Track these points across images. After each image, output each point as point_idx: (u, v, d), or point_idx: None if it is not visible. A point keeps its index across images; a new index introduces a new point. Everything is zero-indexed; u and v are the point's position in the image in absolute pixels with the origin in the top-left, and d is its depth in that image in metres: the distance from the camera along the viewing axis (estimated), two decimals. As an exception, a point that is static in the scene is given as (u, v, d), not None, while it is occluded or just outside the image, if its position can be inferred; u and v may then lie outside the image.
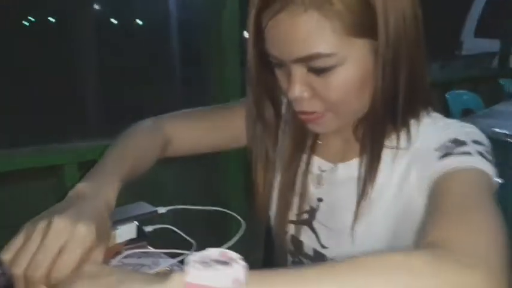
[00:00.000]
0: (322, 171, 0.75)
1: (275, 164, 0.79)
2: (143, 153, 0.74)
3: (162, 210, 0.88)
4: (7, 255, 0.52)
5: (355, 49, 0.59)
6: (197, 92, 2.04)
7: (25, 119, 1.43)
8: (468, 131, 0.64)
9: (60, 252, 0.50)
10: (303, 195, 0.76)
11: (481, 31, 5.57)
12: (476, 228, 0.47)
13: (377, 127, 0.66)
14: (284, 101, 0.77)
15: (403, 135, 0.67)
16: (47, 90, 1.42)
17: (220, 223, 1.39)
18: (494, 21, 4.61)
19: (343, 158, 0.73)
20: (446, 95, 2.57)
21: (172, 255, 0.81)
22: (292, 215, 0.78)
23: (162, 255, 0.83)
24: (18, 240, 0.53)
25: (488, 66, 4.36)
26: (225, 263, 0.40)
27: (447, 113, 2.53)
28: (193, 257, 0.41)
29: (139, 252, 0.81)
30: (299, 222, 0.78)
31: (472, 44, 5.47)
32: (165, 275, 0.42)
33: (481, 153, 0.59)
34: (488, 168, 0.58)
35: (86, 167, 1.60)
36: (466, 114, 2.48)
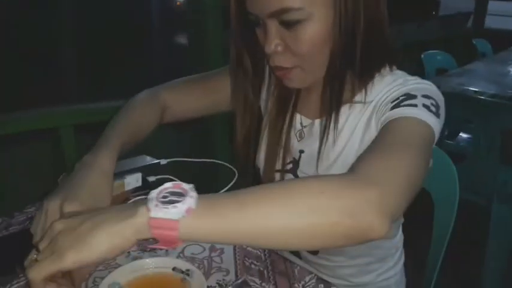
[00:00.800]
0: (304, 126, 0.85)
1: (253, 110, 0.87)
2: (143, 121, 0.84)
3: (163, 162, 0.97)
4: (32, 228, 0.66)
5: (319, 6, 0.66)
6: (178, 56, 2.09)
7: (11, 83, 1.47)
8: (422, 87, 0.71)
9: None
10: (287, 148, 0.87)
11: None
12: (390, 165, 0.56)
13: (335, 81, 0.73)
14: (267, 66, 0.86)
15: (369, 89, 0.77)
16: (28, 57, 1.46)
17: (215, 173, 1.51)
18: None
19: (320, 114, 0.83)
20: (422, 55, 2.66)
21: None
22: (278, 165, 0.88)
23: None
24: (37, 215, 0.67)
25: (464, 26, 4.44)
26: (180, 194, 0.51)
27: (422, 72, 2.64)
28: (154, 194, 0.52)
29: (144, 198, 0.91)
30: (284, 171, 0.88)
31: (448, 3, 5.54)
32: (133, 209, 0.51)
33: (427, 107, 0.66)
34: (430, 120, 0.65)
35: (82, 129, 1.67)
36: (440, 74, 2.58)
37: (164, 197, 0.51)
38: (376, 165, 0.56)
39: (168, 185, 0.53)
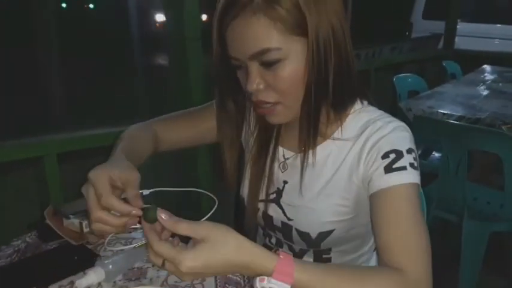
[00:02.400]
0: (286, 158, 0.92)
1: (237, 145, 0.94)
2: (141, 149, 0.89)
3: (146, 192, 1.02)
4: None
5: (295, 46, 0.73)
6: (157, 81, 2.13)
7: None
8: (403, 137, 0.80)
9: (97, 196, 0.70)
10: (271, 179, 0.93)
11: (428, 13, 5.85)
12: (420, 254, 0.71)
13: (310, 115, 0.79)
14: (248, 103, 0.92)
15: (345, 126, 0.84)
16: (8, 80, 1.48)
17: (196, 201, 1.55)
18: (440, 2, 4.80)
19: (299, 146, 0.87)
20: (394, 79, 2.78)
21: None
22: (262, 195, 0.94)
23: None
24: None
25: (434, 48, 4.62)
26: None
27: (395, 94, 2.74)
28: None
29: (130, 228, 0.96)
30: (268, 201, 0.94)
31: (420, 26, 5.75)
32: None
33: (412, 164, 0.76)
34: (416, 179, 0.76)
35: (65, 158, 1.70)
36: (411, 96, 2.69)
37: None
38: (410, 264, 0.70)
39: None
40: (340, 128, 0.85)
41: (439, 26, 4.50)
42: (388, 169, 0.76)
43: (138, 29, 2.33)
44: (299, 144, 0.85)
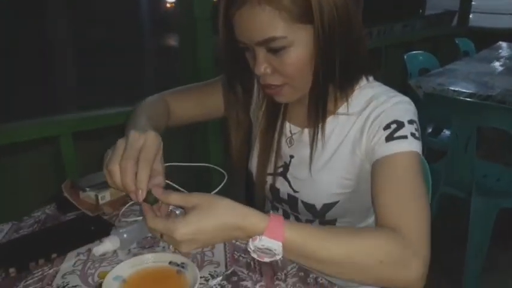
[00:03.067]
0: (293, 134, 0.95)
1: (244, 125, 0.97)
2: (156, 121, 0.90)
3: (158, 167, 1.06)
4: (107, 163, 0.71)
5: (300, 33, 0.75)
6: (168, 62, 2.16)
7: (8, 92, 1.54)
8: (405, 109, 0.81)
9: (140, 152, 0.69)
10: (278, 153, 0.96)
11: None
12: (416, 216, 0.71)
13: (319, 95, 0.83)
14: (256, 83, 0.95)
15: (350, 102, 0.86)
16: (22, 63, 1.52)
17: (207, 176, 1.59)
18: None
19: (308, 123, 0.91)
20: (404, 56, 2.76)
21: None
22: (270, 169, 0.97)
23: (162, 202, 1.02)
24: (111, 152, 0.71)
25: (449, 25, 4.54)
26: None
27: (406, 72, 2.73)
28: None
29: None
30: (276, 174, 0.97)
31: (435, 2, 5.63)
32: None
33: (413, 134, 0.78)
34: (417, 147, 0.78)
35: (80, 137, 1.75)
36: (422, 74, 2.67)
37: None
38: (407, 224, 0.70)
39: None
40: (345, 104, 0.87)
41: (453, 3, 4.42)
42: (389, 138, 0.78)
43: (149, 9, 2.34)
44: (308, 121, 0.89)
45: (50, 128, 1.65)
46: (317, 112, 0.84)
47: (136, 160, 0.69)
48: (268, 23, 0.73)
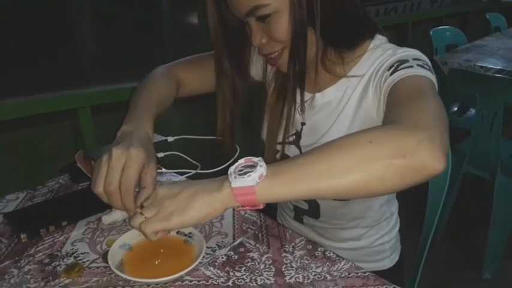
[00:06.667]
0: (304, 100, 0.92)
1: (232, 107, 0.95)
2: (164, 95, 0.91)
3: (170, 139, 1.05)
4: (92, 185, 0.72)
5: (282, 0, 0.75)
6: (187, 40, 2.14)
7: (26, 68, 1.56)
8: (410, 54, 0.79)
9: (123, 170, 0.70)
10: (289, 121, 0.93)
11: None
12: (422, 109, 0.62)
13: (322, 58, 0.83)
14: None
15: (361, 64, 0.84)
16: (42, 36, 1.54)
17: (218, 149, 1.58)
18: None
19: (319, 88, 0.90)
20: (430, 32, 2.66)
21: (181, 174, 1.00)
22: (281, 137, 0.95)
23: (173, 174, 1.02)
24: (95, 172, 0.73)
25: (479, 1, 4.35)
26: (252, 166, 0.62)
27: (431, 48, 2.64)
28: (232, 169, 0.63)
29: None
30: (288, 143, 0.96)
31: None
32: (218, 182, 0.63)
33: (420, 65, 0.74)
34: (427, 74, 0.72)
35: (98, 110, 1.77)
36: (449, 50, 2.58)
37: (240, 170, 0.62)
38: (409, 113, 0.62)
39: (241, 160, 0.64)
40: (356, 67, 0.85)
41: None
42: (394, 71, 0.75)
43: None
44: (317, 87, 0.88)
45: (70, 100, 1.67)
46: (316, 74, 0.84)
47: (119, 183, 0.69)
48: None
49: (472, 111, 2.42)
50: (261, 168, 0.60)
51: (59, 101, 1.64)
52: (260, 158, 0.62)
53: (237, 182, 0.60)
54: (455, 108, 2.44)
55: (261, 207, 0.63)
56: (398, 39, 3.26)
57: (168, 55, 2.08)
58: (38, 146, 1.64)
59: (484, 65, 2.06)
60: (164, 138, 1.05)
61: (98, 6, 1.84)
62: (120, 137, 0.76)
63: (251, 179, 0.59)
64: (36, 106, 1.58)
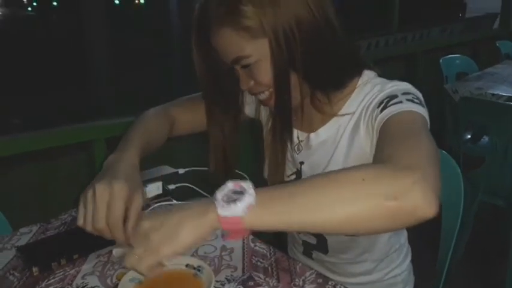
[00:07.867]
0: (300, 140, 0.94)
1: (222, 142, 0.97)
2: (154, 131, 0.93)
3: (181, 171, 1.07)
4: (79, 222, 0.74)
5: (264, 47, 0.76)
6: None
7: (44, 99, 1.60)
8: (399, 88, 0.79)
9: (108, 206, 0.71)
10: (288, 160, 0.96)
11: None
12: (412, 148, 0.62)
13: (312, 99, 0.85)
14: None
15: (350, 102, 0.85)
16: (58, 70, 1.58)
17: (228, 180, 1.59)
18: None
19: (313, 128, 0.91)
20: (440, 60, 2.67)
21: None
22: (282, 177, 0.95)
23: (184, 206, 1.03)
24: (81, 209, 0.75)
25: (490, 28, 4.38)
26: (240, 192, 0.58)
27: (442, 77, 2.64)
28: (219, 195, 0.59)
29: (166, 204, 1.01)
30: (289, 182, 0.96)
31: (475, 5, 5.46)
32: (204, 206, 0.59)
33: (410, 100, 0.74)
34: (418, 108, 0.73)
35: (112, 142, 1.80)
36: (460, 78, 2.58)
37: (227, 195, 0.59)
38: (402, 153, 0.61)
39: (229, 184, 0.60)
40: (345, 105, 0.86)
41: (494, 5, 4.25)
42: (384, 108, 0.75)
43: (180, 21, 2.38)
44: (311, 127, 0.91)
45: (84, 133, 1.70)
46: (313, 116, 0.87)
47: (106, 220, 0.71)
48: (231, 44, 0.78)
49: (486, 138, 2.40)
50: (250, 197, 0.57)
51: (74, 133, 1.68)
52: (249, 184, 0.59)
53: (224, 211, 0.57)
54: (469, 136, 2.42)
55: (247, 234, 0.62)
56: (409, 68, 3.29)
57: (184, 90, 2.13)
58: (52, 179, 1.66)
59: (495, 92, 2.06)
60: (175, 170, 1.07)
61: (113, 39, 1.90)
62: (105, 167, 0.78)
63: (239, 209, 0.57)
64: (51, 139, 1.61)
